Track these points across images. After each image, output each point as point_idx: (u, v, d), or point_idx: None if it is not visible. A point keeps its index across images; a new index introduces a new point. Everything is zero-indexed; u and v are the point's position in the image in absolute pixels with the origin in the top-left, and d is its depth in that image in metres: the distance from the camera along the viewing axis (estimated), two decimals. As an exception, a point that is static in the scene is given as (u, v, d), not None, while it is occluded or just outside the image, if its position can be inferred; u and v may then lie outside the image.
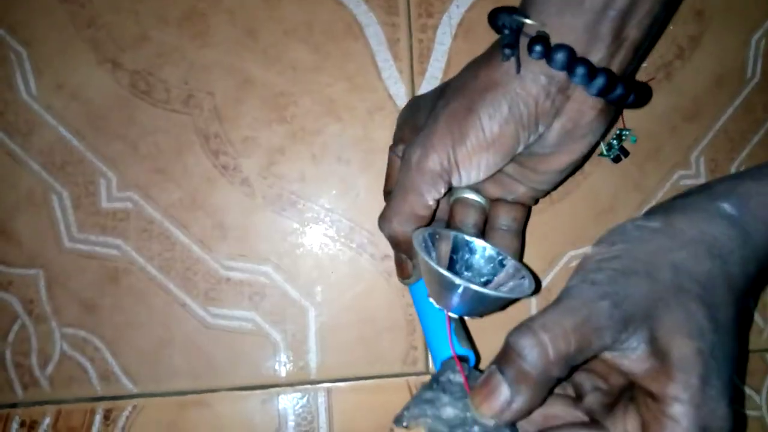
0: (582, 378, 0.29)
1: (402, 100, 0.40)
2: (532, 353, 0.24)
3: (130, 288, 0.39)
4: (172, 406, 0.39)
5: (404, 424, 0.27)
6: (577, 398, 0.30)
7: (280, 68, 0.40)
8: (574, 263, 0.41)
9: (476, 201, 0.34)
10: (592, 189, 0.41)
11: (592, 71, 0.28)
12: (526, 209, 0.35)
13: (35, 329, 0.39)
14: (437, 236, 0.32)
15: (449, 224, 0.35)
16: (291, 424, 0.40)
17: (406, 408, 0.28)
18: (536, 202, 0.36)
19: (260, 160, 0.40)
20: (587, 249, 0.41)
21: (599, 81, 0.28)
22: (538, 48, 0.28)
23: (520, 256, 0.35)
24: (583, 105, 0.29)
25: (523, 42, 0.28)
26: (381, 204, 0.39)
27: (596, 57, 0.28)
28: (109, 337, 0.39)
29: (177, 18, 0.39)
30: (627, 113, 0.41)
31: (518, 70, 0.28)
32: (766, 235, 0.28)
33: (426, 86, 0.40)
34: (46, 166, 0.39)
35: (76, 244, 0.39)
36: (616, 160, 0.41)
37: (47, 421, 0.39)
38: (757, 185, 0.28)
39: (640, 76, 0.42)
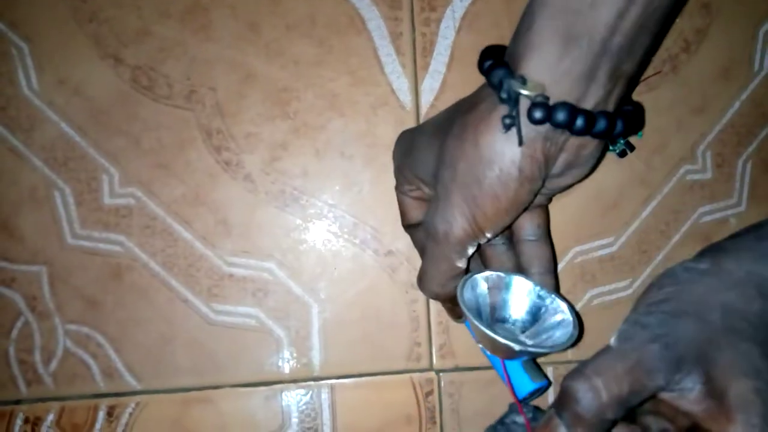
0: (649, 420, 0.30)
1: (405, 95, 0.40)
2: (586, 397, 0.26)
3: (133, 284, 0.39)
4: (175, 403, 0.39)
5: None
6: None
7: (282, 63, 0.39)
8: (579, 259, 0.41)
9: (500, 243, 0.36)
10: (598, 184, 0.41)
11: (591, 120, 0.28)
12: (544, 210, 0.36)
13: (38, 326, 0.39)
14: (477, 282, 0.33)
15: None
16: (294, 420, 0.39)
17: None
18: (550, 200, 0.36)
19: (263, 155, 0.40)
20: (593, 244, 0.41)
21: (600, 125, 0.28)
22: (538, 115, 0.27)
23: (554, 261, 0.36)
24: (584, 140, 0.30)
25: (522, 103, 0.28)
26: (385, 199, 0.39)
27: (593, 100, 0.28)
28: (112, 333, 0.39)
29: (179, 12, 0.39)
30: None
31: (521, 143, 0.28)
32: None
33: (429, 81, 0.40)
34: (48, 162, 0.39)
35: (79, 240, 0.39)
36: (622, 154, 0.41)
37: (51, 417, 0.39)
38: None
39: (646, 70, 0.41)
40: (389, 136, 0.40)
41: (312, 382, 0.40)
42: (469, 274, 0.33)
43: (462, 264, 0.32)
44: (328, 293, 0.40)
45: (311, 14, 0.40)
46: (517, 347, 0.29)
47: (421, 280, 0.34)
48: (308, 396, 0.40)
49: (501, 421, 0.32)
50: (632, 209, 0.41)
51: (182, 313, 0.39)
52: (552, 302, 0.33)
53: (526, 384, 0.34)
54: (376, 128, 0.40)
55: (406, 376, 0.40)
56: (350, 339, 0.40)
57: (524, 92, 0.27)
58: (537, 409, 0.32)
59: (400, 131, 0.40)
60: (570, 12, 0.26)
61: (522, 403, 0.32)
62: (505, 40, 0.40)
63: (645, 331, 0.27)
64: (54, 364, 0.39)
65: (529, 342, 0.32)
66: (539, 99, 0.27)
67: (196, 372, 0.39)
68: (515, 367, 0.35)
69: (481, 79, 0.40)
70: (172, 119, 0.39)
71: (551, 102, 0.28)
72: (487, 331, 0.30)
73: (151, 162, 0.39)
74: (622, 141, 0.40)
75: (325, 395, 0.40)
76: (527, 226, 0.35)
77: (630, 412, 0.29)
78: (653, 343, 0.26)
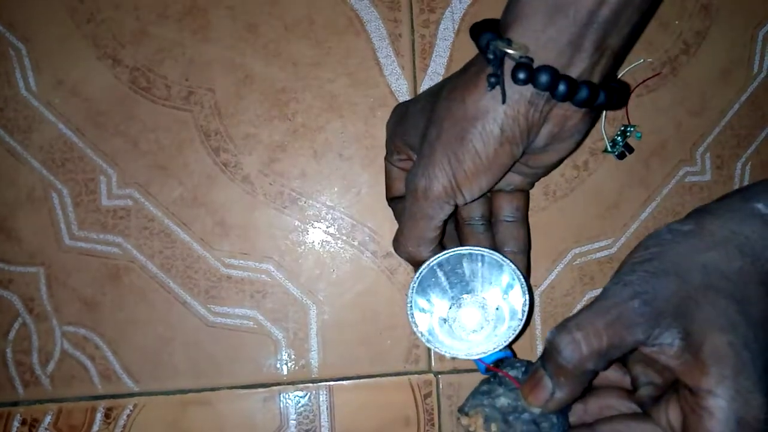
0: (638, 371, 0.32)
1: (404, 96, 0.40)
2: (567, 349, 0.28)
3: (131, 286, 0.39)
4: (173, 405, 0.39)
5: (466, 410, 0.32)
6: (633, 391, 0.32)
7: (281, 64, 0.39)
8: (578, 261, 0.41)
9: (479, 221, 0.36)
10: (597, 185, 0.41)
11: (574, 86, 0.29)
12: (525, 195, 0.37)
13: (36, 327, 0.39)
14: (441, 265, 0.34)
15: (457, 219, 0.36)
16: (293, 422, 0.39)
17: (467, 399, 0.32)
18: (532, 186, 0.37)
19: (261, 157, 0.39)
20: (592, 245, 0.41)
21: (582, 94, 0.29)
22: (521, 75, 0.28)
23: (527, 243, 0.36)
24: (568, 111, 0.30)
25: (507, 64, 0.29)
26: (384, 201, 0.39)
27: (578, 69, 0.29)
28: (109, 335, 0.39)
29: (177, 13, 0.39)
30: (632, 109, 0.41)
31: (504, 101, 0.29)
32: None
33: (428, 82, 0.40)
34: (46, 163, 0.39)
35: (77, 242, 0.39)
36: (621, 156, 0.41)
37: (48, 419, 0.39)
38: None
39: (645, 72, 0.41)
40: (388, 138, 0.40)
41: (310, 384, 0.40)
42: (427, 264, 0.34)
43: (439, 223, 0.33)
44: (326, 295, 0.40)
45: (310, 15, 0.39)
46: (462, 356, 0.34)
47: (397, 240, 0.35)
48: (306, 398, 0.40)
49: (487, 392, 0.32)
50: (631, 211, 0.41)
51: (180, 314, 0.39)
52: (515, 281, 0.34)
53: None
54: (375, 130, 0.40)
55: (405, 378, 0.40)
56: (349, 341, 0.40)
57: (509, 51, 0.28)
58: (529, 363, 0.33)
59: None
60: None
61: (500, 364, 0.34)
62: (504, 41, 0.40)
63: (626, 288, 0.28)
64: (51, 366, 0.39)
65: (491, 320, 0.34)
66: (524, 60, 0.28)
67: (194, 374, 0.39)
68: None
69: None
70: (170, 120, 0.39)
71: (535, 65, 0.28)
72: (437, 348, 0.34)
73: (149, 163, 0.39)
74: (620, 143, 0.40)
75: (323, 397, 0.40)
76: (506, 207, 0.36)
77: (622, 358, 0.31)
78: (633, 300, 0.27)
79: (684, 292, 0.28)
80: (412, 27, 0.40)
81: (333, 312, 0.40)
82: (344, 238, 0.40)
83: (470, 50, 0.40)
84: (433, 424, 0.40)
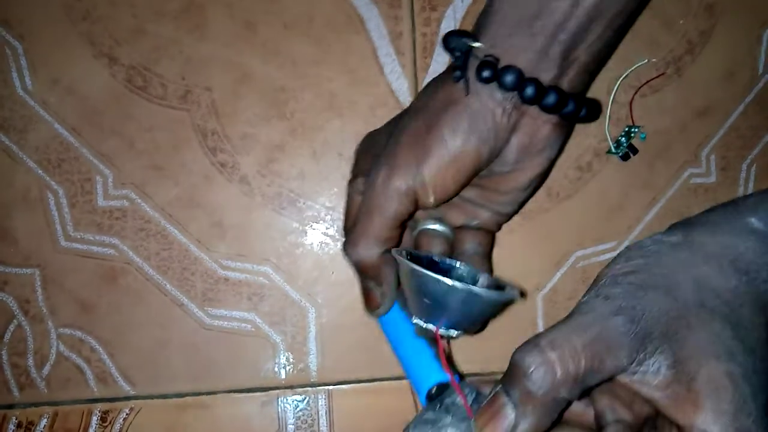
0: (604, 405, 0.27)
1: (405, 96, 0.39)
2: (538, 372, 0.23)
3: (127, 288, 0.38)
4: (170, 409, 0.39)
5: None
6: (598, 429, 0.27)
7: (279, 62, 0.39)
8: (581, 263, 0.40)
9: (440, 230, 0.33)
10: (600, 187, 0.40)
11: (541, 89, 0.28)
12: (490, 235, 0.35)
13: (31, 329, 0.38)
14: (408, 257, 0.30)
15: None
16: (291, 427, 0.39)
17: (406, 429, 0.27)
18: (499, 228, 0.35)
19: (259, 157, 0.39)
20: (595, 248, 0.40)
21: (550, 98, 0.28)
22: (486, 73, 0.28)
23: (489, 260, 0.35)
24: (538, 120, 0.30)
25: (474, 63, 0.29)
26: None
27: (546, 76, 0.29)
28: (105, 337, 0.38)
29: (174, 11, 0.38)
30: (636, 109, 0.40)
31: (467, 92, 0.29)
32: None
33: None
34: (42, 163, 0.38)
35: (73, 243, 0.38)
36: (625, 157, 0.40)
37: (44, 422, 0.38)
38: None
39: (650, 72, 0.41)
40: (388, 138, 0.39)
41: (309, 388, 0.39)
42: (399, 249, 0.31)
43: (398, 221, 0.30)
44: (325, 297, 0.39)
45: (309, 13, 0.39)
46: (454, 283, 0.26)
47: (349, 241, 0.31)
48: (305, 402, 0.39)
49: (440, 400, 0.28)
50: (636, 213, 0.41)
51: (177, 317, 0.39)
52: (489, 279, 0.32)
53: (436, 374, 0.30)
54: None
55: (405, 381, 0.39)
56: (348, 344, 0.39)
57: (473, 45, 0.29)
58: (479, 391, 0.28)
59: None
60: None
61: (443, 389, 0.29)
62: (506, 40, 0.40)
63: (609, 302, 0.24)
64: (47, 369, 0.38)
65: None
66: (489, 59, 0.28)
67: (191, 377, 0.39)
68: (426, 355, 0.31)
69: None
70: (166, 120, 0.38)
71: (500, 66, 0.28)
72: (421, 270, 0.27)
73: (145, 163, 0.39)
74: (624, 144, 0.40)
75: (322, 401, 0.39)
76: (469, 242, 0.33)
77: (594, 396, 0.27)
78: (617, 316, 0.23)
79: (675, 310, 0.24)
80: (413, 25, 0.39)
81: (332, 315, 0.39)
82: (343, 240, 0.39)
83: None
84: (433, 429, 0.39)
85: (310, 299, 0.39)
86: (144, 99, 0.38)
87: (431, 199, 0.30)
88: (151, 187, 0.38)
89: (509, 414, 0.23)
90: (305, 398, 0.39)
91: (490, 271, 0.35)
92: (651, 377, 0.23)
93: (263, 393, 0.39)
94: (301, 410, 0.39)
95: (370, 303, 0.33)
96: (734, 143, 0.42)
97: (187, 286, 0.39)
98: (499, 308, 0.30)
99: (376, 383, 0.39)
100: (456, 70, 0.29)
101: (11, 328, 0.38)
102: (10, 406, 0.38)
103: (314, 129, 0.39)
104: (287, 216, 0.39)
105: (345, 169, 0.39)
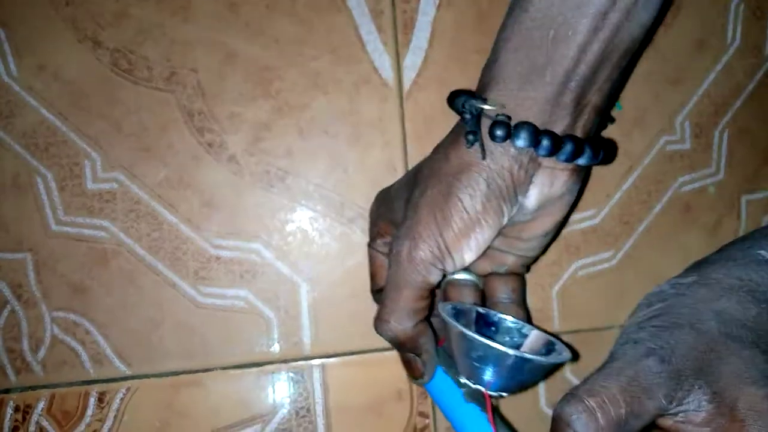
0: None
1: (387, 72, 0.40)
2: (580, 420, 0.23)
3: (120, 269, 0.39)
4: (166, 387, 0.39)
5: None
6: None
7: (263, 42, 0.39)
8: (563, 231, 0.42)
9: (469, 280, 0.33)
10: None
11: (557, 141, 0.28)
12: (520, 278, 0.35)
13: (25, 314, 0.39)
14: (454, 311, 0.31)
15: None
16: (287, 400, 0.40)
17: None
18: (528, 269, 0.35)
19: (246, 136, 0.39)
20: (575, 216, 0.42)
21: (567, 148, 0.28)
22: (499, 132, 0.28)
23: (526, 311, 0.35)
24: (555, 169, 0.29)
25: (485, 123, 0.28)
26: (370, 177, 0.39)
27: (561, 126, 0.28)
28: (99, 319, 0.39)
29: (157, -6, 0.39)
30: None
31: (483, 156, 0.29)
32: None
33: (411, 57, 0.40)
34: (30, 148, 0.38)
35: (63, 227, 0.39)
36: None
37: (41, 405, 0.39)
38: None
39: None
40: (373, 114, 0.40)
41: (303, 362, 0.40)
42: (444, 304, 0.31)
43: (426, 293, 0.31)
44: (316, 272, 0.40)
45: (291, -7, 0.39)
46: (507, 350, 0.27)
47: (381, 317, 0.31)
48: (300, 375, 0.40)
49: None
50: (614, 181, 0.42)
51: (170, 296, 0.39)
52: (537, 335, 0.32)
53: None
54: (360, 106, 0.40)
55: (396, 352, 0.40)
56: (340, 317, 0.40)
57: (485, 107, 0.28)
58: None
59: (383, 108, 0.40)
60: (533, 47, 0.27)
61: None
62: (484, 16, 0.41)
63: (638, 346, 0.25)
64: (42, 352, 0.39)
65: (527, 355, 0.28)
66: (501, 118, 0.28)
67: (186, 355, 0.39)
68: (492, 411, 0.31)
69: (464, 53, 0.41)
70: (153, 102, 0.39)
71: (513, 123, 0.28)
72: (474, 335, 0.28)
73: (133, 145, 0.39)
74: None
75: (316, 374, 0.40)
76: (501, 289, 0.33)
77: None
78: (648, 357, 0.24)
79: (703, 345, 0.24)
80: (393, 2, 0.40)
81: (323, 289, 0.40)
82: (332, 215, 0.40)
83: (452, 25, 0.40)
84: (425, 397, 0.40)
85: (301, 274, 0.40)
86: (130, 82, 0.39)
87: (456, 266, 0.30)
88: (139, 169, 0.39)
89: None
90: (300, 372, 0.40)
91: (528, 316, 0.35)
92: (693, 416, 0.24)
93: (258, 368, 0.40)
94: (296, 383, 0.40)
95: (412, 372, 0.33)
96: (707, 110, 0.43)
97: (179, 266, 0.39)
98: (551, 371, 0.30)
99: (368, 354, 0.40)
100: (468, 134, 0.29)
101: (4, 313, 0.39)
102: (7, 391, 0.39)
103: (300, 107, 0.40)
104: (276, 193, 0.40)
105: (331, 146, 0.40)
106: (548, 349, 0.31)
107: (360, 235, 0.40)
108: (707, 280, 0.27)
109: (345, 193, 0.40)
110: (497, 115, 0.28)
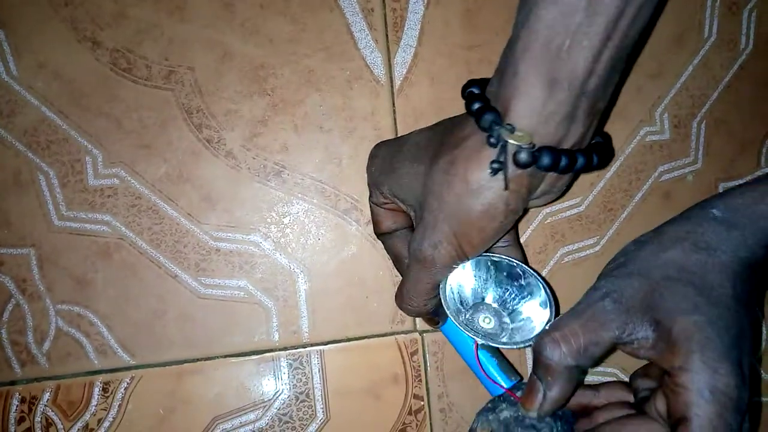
0: (638, 383, 0.35)
1: (379, 69, 0.41)
2: (546, 348, 0.31)
3: (122, 262, 0.40)
4: (169, 376, 0.40)
5: (474, 428, 0.35)
6: (638, 403, 0.34)
7: (258, 41, 0.41)
8: (549, 220, 0.43)
9: None
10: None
11: (572, 159, 0.30)
12: (514, 229, 0.38)
13: (29, 307, 0.40)
14: (489, 262, 0.36)
15: None
16: (287, 386, 0.41)
17: (475, 419, 0.36)
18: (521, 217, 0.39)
19: (243, 132, 0.41)
20: (561, 205, 0.43)
21: (579, 162, 0.30)
22: (524, 158, 0.29)
23: (525, 261, 0.37)
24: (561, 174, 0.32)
25: (511, 150, 0.29)
26: (364, 171, 0.41)
27: (573, 138, 0.30)
28: (103, 311, 0.40)
29: (154, -5, 0.40)
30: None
31: (506, 187, 0.30)
32: (752, 225, 0.32)
33: (401, 54, 0.42)
34: (31, 146, 0.39)
35: (66, 222, 0.40)
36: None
37: (47, 396, 0.40)
38: (743, 190, 0.33)
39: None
40: (365, 109, 0.41)
41: (302, 349, 0.41)
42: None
43: (441, 282, 0.35)
44: (313, 263, 0.41)
45: (284, -7, 0.41)
46: (478, 339, 0.34)
47: (403, 300, 0.36)
48: (299, 362, 0.41)
49: (492, 409, 0.35)
50: (597, 171, 0.44)
51: (172, 288, 0.40)
52: (528, 278, 0.36)
53: (503, 381, 0.37)
54: (353, 102, 0.41)
55: (392, 338, 0.42)
56: (337, 305, 0.42)
57: (513, 142, 0.29)
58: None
59: (376, 104, 0.42)
60: (551, 58, 0.28)
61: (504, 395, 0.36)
62: (472, 14, 0.42)
63: (597, 291, 0.32)
64: (47, 344, 0.40)
65: (506, 329, 0.36)
66: (527, 146, 0.29)
67: (188, 345, 0.40)
68: (492, 365, 0.37)
69: (454, 55, 0.42)
70: (152, 100, 0.40)
71: (537, 146, 0.29)
72: (468, 332, 0.34)
73: (133, 142, 0.40)
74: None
75: (315, 360, 0.41)
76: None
77: (631, 379, 0.35)
78: (604, 299, 0.31)
79: (647, 287, 0.31)
80: (384, 1, 0.41)
81: (320, 279, 0.41)
82: (328, 207, 0.42)
83: (441, 23, 0.42)
84: (420, 380, 0.42)
85: (299, 265, 0.41)
86: (129, 80, 0.40)
87: (471, 258, 0.33)
88: (140, 165, 0.40)
89: (539, 386, 0.32)
90: (299, 358, 0.41)
91: (523, 252, 0.38)
92: (644, 342, 0.30)
93: (258, 356, 0.41)
94: (295, 369, 0.41)
95: (431, 324, 0.39)
96: (685, 102, 0.45)
97: (180, 258, 0.40)
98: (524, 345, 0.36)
99: (365, 340, 0.42)
100: (493, 163, 0.29)
101: (9, 307, 0.40)
102: (13, 383, 0.40)
103: (294, 104, 0.41)
104: (273, 187, 0.41)
105: (326, 141, 0.41)
106: (527, 289, 0.36)
107: (355, 226, 0.42)
108: (661, 235, 0.33)
109: (339, 185, 0.42)
110: (524, 142, 0.29)
